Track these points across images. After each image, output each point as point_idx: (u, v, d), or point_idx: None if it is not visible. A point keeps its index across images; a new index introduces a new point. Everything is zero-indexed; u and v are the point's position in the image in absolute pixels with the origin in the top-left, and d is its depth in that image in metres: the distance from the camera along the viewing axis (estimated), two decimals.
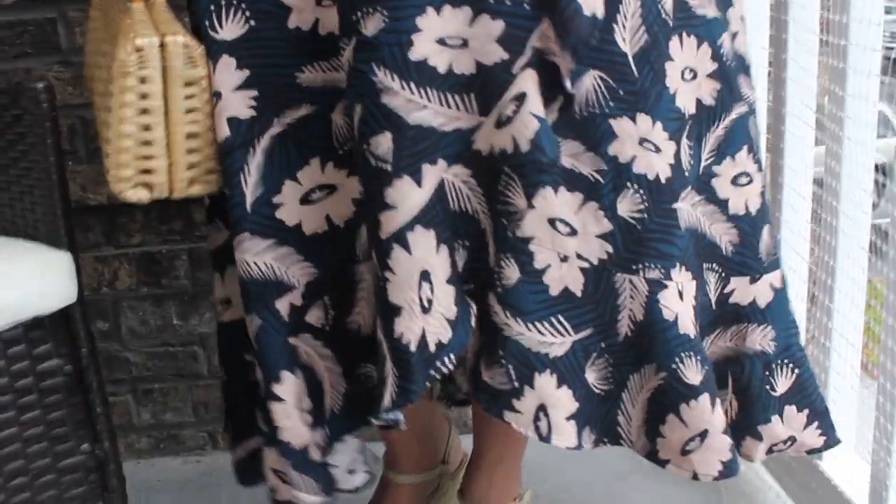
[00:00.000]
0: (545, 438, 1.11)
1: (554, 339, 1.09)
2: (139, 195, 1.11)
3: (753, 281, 1.19)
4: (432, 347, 1.07)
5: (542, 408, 1.10)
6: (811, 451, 1.27)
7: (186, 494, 1.74)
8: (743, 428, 1.22)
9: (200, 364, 1.82)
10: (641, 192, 1.08)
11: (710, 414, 1.12)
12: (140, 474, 1.80)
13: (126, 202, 1.69)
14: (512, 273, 1.08)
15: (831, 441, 1.25)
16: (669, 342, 1.11)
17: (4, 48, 1.65)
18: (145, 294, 1.78)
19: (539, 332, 1.09)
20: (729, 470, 1.15)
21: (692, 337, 1.12)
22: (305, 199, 1.12)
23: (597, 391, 1.13)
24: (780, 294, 1.21)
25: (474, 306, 1.11)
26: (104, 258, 1.75)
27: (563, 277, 1.09)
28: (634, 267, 1.09)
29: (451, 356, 1.08)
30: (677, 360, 1.11)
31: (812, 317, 1.47)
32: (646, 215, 1.08)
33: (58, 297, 1.18)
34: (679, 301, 1.11)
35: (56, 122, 1.20)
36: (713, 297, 1.19)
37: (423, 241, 1.05)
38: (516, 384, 1.09)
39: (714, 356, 1.22)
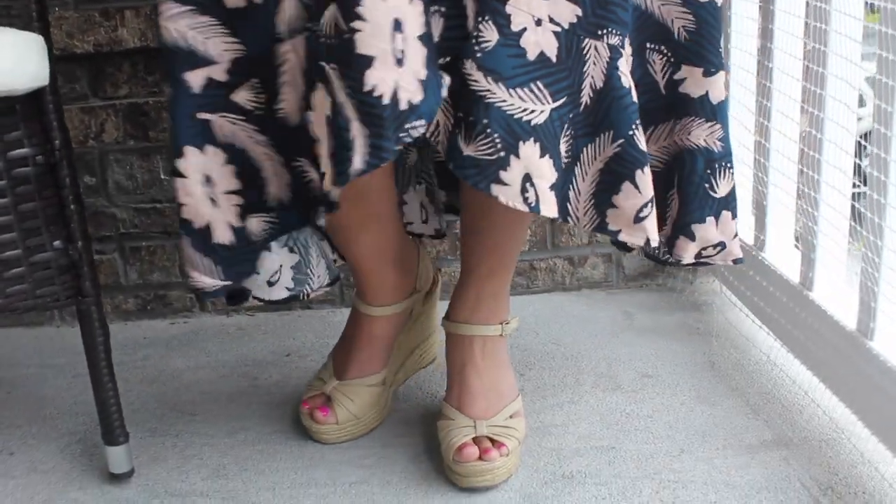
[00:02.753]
0: (533, 208, 1.08)
1: (535, 107, 1.07)
2: None
3: (708, 74, 1.17)
4: (403, 105, 1.02)
5: (527, 178, 1.08)
6: (735, 261, 1.26)
7: (173, 349, 1.72)
8: (678, 227, 1.22)
9: None
10: None
11: (651, 182, 1.14)
12: (126, 333, 1.79)
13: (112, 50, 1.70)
14: (491, 35, 1.05)
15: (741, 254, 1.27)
16: (626, 109, 1.11)
17: None
18: (132, 147, 1.75)
19: (520, 98, 1.07)
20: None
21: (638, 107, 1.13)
22: None
23: (562, 163, 1.12)
24: (727, 99, 1.20)
25: (447, 78, 1.07)
26: (91, 109, 1.73)
27: (539, 42, 1.07)
28: (600, 32, 1.09)
29: (422, 121, 1.04)
30: (633, 126, 1.11)
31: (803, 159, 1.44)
32: None
33: (29, 77, 1.15)
34: (629, 70, 1.12)
35: None
36: (661, 81, 1.18)
37: None
38: (502, 154, 1.07)
39: (667, 151, 1.22)
